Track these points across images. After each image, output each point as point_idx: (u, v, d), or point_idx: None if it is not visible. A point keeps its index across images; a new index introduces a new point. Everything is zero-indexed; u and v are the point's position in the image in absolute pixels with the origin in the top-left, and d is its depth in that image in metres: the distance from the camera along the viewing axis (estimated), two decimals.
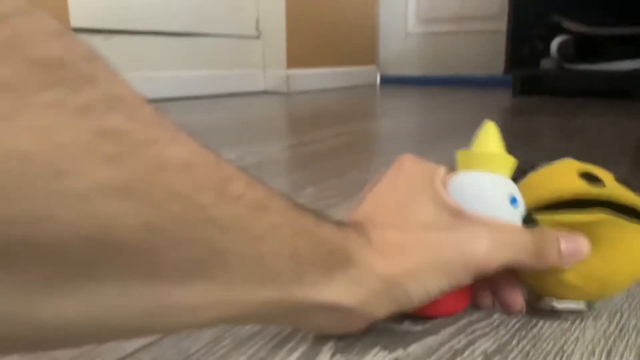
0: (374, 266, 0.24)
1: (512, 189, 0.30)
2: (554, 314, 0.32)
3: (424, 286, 0.25)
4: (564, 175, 0.31)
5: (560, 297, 0.31)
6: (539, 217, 0.30)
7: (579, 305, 0.31)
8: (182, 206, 0.16)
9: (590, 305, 0.32)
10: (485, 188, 0.29)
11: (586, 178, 0.30)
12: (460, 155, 0.31)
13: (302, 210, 0.23)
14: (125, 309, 0.17)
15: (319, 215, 0.24)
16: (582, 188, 0.29)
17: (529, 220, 0.30)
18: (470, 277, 0.26)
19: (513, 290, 0.30)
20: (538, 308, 0.32)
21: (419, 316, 0.31)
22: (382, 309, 0.25)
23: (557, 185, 0.30)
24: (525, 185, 0.31)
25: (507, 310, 0.31)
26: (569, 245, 0.28)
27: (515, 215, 0.29)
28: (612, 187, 0.30)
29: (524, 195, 0.30)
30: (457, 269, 0.26)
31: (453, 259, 0.26)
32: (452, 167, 0.31)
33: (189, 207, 0.17)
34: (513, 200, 0.29)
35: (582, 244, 0.28)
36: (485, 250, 0.26)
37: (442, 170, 0.29)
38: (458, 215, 0.27)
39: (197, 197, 0.17)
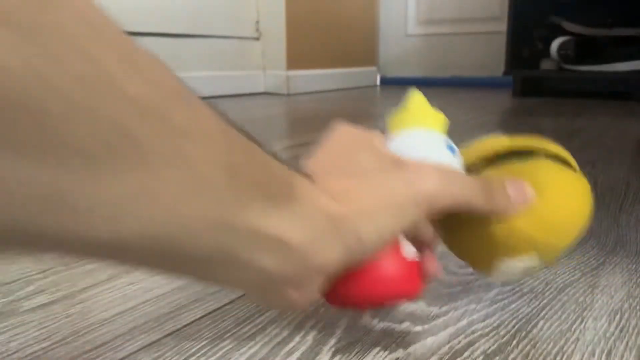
0: (320, 204, 0.22)
1: (448, 140, 0.30)
2: (554, 314, 0.32)
3: (375, 226, 0.23)
4: (496, 139, 0.33)
5: (512, 254, 0.29)
6: (479, 171, 0.31)
7: (532, 260, 0.29)
8: (85, 65, 0.13)
9: (542, 261, 0.30)
10: (423, 140, 0.30)
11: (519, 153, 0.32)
12: (391, 119, 0.31)
13: (241, 130, 0.19)
14: (17, 194, 0.13)
15: (263, 144, 0.21)
16: (515, 140, 0.32)
17: (469, 171, 0.30)
18: (422, 213, 0.24)
19: (431, 255, 0.29)
20: (492, 278, 0.32)
21: (362, 302, 0.26)
22: (330, 252, 0.22)
23: (490, 143, 0.32)
24: (460, 151, 0.32)
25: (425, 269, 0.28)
26: (516, 189, 0.28)
27: (456, 164, 0.29)
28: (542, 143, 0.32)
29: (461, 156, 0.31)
30: (407, 205, 0.24)
31: (402, 195, 0.24)
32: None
33: (95, 70, 0.13)
34: (451, 149, 0.30)
35: (528, 188, 0.28)
36: (437, 184, 0.25)
37: (377, 132, 0.29)
38: (401, 161, 0.26)
39: (105, 61, 0.14)
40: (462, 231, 0.30)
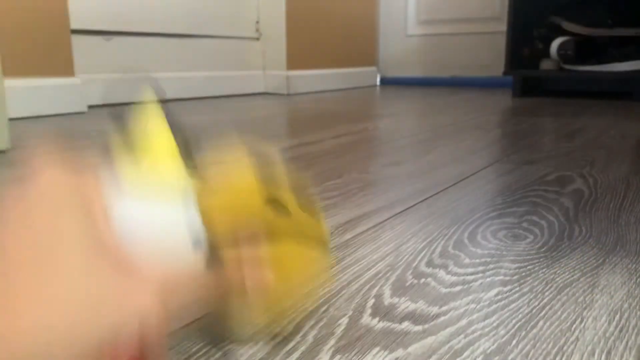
0: None
1: (197, 228, 0.25)
2: (554, 314, 0.32)
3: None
4: (250, 205, 0.28)
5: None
6: (224, 250, 0.26)
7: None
8: None
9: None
10: (164, 223, 0.24)
11: (272, 204, 0.28)
12: (125, 150, 0.25)
13: None
14: None
15: None
16: (269, 221, 0.28)
17: (213, 256, 0.25)
18: (119, 332, 0.19)
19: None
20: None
21: None
22: None
23: (243, 217, 0.27)
24: (207, 204, 0.27)
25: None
26: (255, 281, 0.26)
27: (197, 256, 0.25)
28: (297, 219, 0.29)
29: (210, 214, 0.26)
30: (103, 319, 0.19)
31: (109, 316, 0.19)
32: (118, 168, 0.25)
33: None
34: (196, 242, 0.25)
35: (267, 277, 0.26)
36: (154, 307, 0.20)
37: (106, 189, 0.22)
38: (121, 265, 0.20)
39: None
40: None
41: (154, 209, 0.24)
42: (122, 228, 0.22)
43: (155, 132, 0.25)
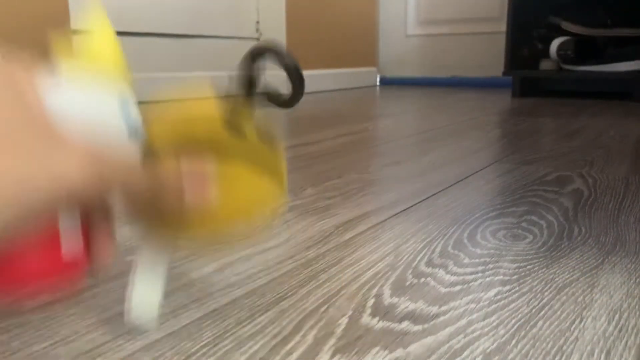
0: None
1: (134, 121, 0.25)
2: (554, 314, 0.32)
3: None
4: (203, 123, 0.28)
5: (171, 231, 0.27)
6: (164, 157, 0.26)
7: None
8: None
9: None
10: (98, 103, 0.24)
11: (230, 129, 0.28)
12: (66, 46, 0.25)
13: None
14: None
15: None
16: (220, 141, 0.27)
17: (150, 156, 0.25)
18: (53, 200, 0.20)
19: (106, 235, 0.25)
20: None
21: None
22: None
23: (192, 132, 0.27)
24: (164, 116, 0.27)
25: (95, 261, 0.25)
26: (194, 193, 0.25)
27: (132, 148, 0.25)
28: (252, 146, 0.29)
29: (159, 126, 0.27)
30: (34, 187, 0.19)
31: (28, 176, 0.19)
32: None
33: None
34: (129, 120, 0.25)
35: (208, 193, 0.25)
36: (82, 172, 0.20)
37: (42, 78, 0.22)
38: (52, 131, 0.20)
39: None
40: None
41: (89, 98, 0.24)
42: (56, 112, 0.21)
43: (98, 35, 0.26)
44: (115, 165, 0.22)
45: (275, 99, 0.29)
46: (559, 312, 0.33)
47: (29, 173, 0.19)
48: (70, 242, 0.24)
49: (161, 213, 0.26)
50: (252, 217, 0.30)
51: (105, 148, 0.22)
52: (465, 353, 0.28)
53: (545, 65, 1.92)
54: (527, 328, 0.31)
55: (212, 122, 0.27)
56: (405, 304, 0.34)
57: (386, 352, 0.28)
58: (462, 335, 0.30)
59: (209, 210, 0.26)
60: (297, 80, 0.27)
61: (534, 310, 0.33)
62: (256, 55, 0.28)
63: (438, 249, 0.44)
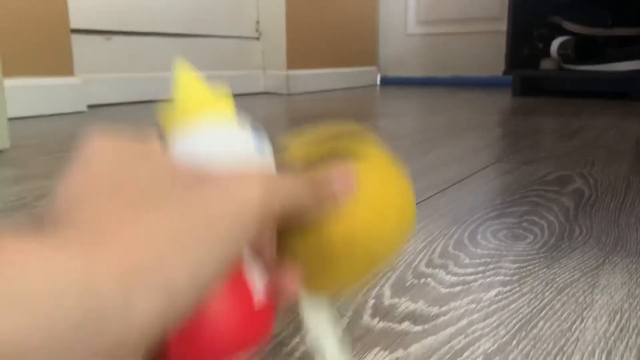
0: (50, 267, 0.13)
1: (249, 129, 0.24)
2: (554, 314, 0.32)
3: (189, 265, 0.15)
4: (344, 139, 0.26)
5: (320, 279, 0.23)
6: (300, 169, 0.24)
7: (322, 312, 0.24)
8: None
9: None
10: (216, 138, 0.23)
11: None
12: (165, 115, 0.23)
13: None
14: None
15: None
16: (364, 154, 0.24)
17: (285, 165, 0.24)
18: (251, 234, 0.18)
19: (288, 270, 0.22)
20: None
21: None
22: (123, 327, 0.14)
23: (338, 145, 0.25)
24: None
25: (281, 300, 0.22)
26: (339, 177, 0.22)
27: (268, 162, 0.23)
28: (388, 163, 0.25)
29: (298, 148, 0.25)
30: (233, 224, 0.17)
31: (222, 212, 0.17)
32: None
33: None
34: (258, 141, 0.23)
35: (350, 174, 0.23)
36: (261, 188, 0.18)
37: (153, 137, 0.20)
38: (201, 172, 0.18)
39: None
40: (301, 248, 0.23)
41: (216, 138, 0.22)
42: (184, 155, 0.20)
43: (184, 82, 0.24)
44: (277, 176, 0.20)
45: None
46: (559, 313, 0.33)
47: (216, 210, 0.17)
48: (259, 286, 0.20)
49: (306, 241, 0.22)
50: (399, 227, 0.25)
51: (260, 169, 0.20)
52: (466, 353, 0.28)
53: (545, 64, 1.92)
54: (528, 328, 0.31)
55: (350, 140, 0.25)
56: (406, 305, 0.34)
57: (386, 352, 0.28)
58: (462, 336, 0.30)
59: (353, 222, 0.23)
60: None
61: (534, 310, 0.33)
62: None
63: (438, 249, 0.44)
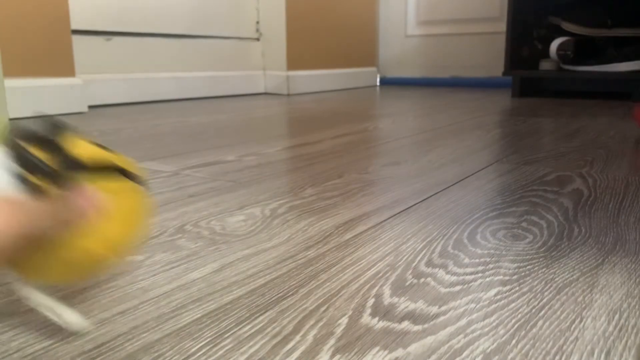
0: None
1: (11, 165, 0.25)
2: (554, 314, 0.33)
3: None
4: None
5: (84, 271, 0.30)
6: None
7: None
8: None
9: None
10: None
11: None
12: None
13: None
14: None
15: None
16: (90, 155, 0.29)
17: (34, 189, 0.26)
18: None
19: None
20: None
21: None
22: None
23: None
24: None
25: None
26: (83, 198, 0.26)
27: (13, 185, 0.25)
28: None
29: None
30: None
31: None
32: None
33: None
34: (6, 166, 0.25)
35: (97, 197, 0.26)
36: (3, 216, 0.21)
37: None
38: None
39: None
40: (43, 259, 0.28)
41: None
42: None
43: None
44: (15, 202, 0.23)
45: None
46: (559, 312, 0.33)
47: None
48: None
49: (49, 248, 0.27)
50: (136, 227, 0.31)
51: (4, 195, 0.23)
52: (465, 353, 0.28)
53: (545, 65, 1.92)
54: (527, 328, 0.31)
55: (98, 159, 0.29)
56: (405, 304, 0.34)
57: (386, 352, 0.28)
58: (462, 335, 0.30)
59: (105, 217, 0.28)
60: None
61: (534, 310, 0.33)
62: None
63: (438, 249, 0.44)
